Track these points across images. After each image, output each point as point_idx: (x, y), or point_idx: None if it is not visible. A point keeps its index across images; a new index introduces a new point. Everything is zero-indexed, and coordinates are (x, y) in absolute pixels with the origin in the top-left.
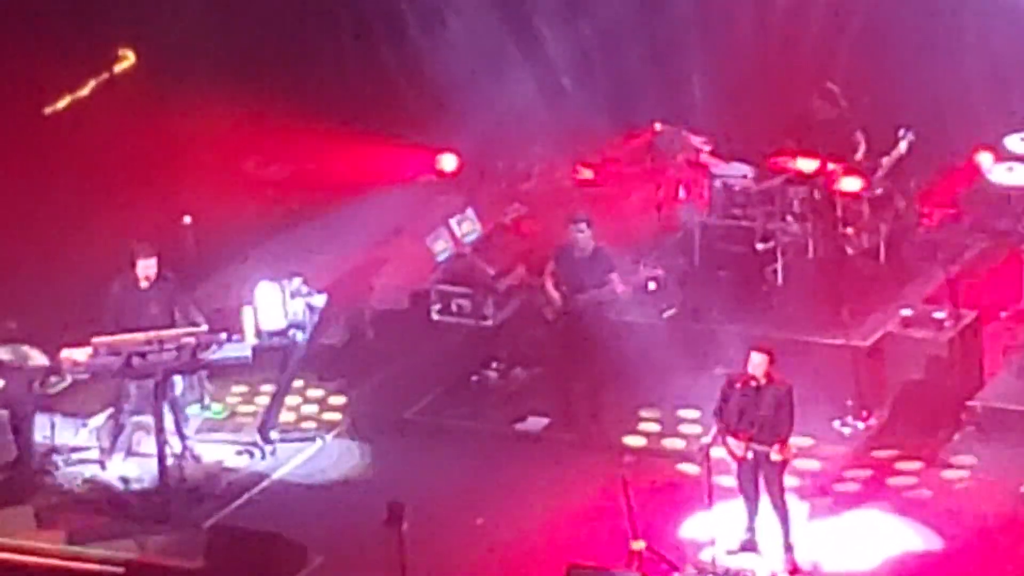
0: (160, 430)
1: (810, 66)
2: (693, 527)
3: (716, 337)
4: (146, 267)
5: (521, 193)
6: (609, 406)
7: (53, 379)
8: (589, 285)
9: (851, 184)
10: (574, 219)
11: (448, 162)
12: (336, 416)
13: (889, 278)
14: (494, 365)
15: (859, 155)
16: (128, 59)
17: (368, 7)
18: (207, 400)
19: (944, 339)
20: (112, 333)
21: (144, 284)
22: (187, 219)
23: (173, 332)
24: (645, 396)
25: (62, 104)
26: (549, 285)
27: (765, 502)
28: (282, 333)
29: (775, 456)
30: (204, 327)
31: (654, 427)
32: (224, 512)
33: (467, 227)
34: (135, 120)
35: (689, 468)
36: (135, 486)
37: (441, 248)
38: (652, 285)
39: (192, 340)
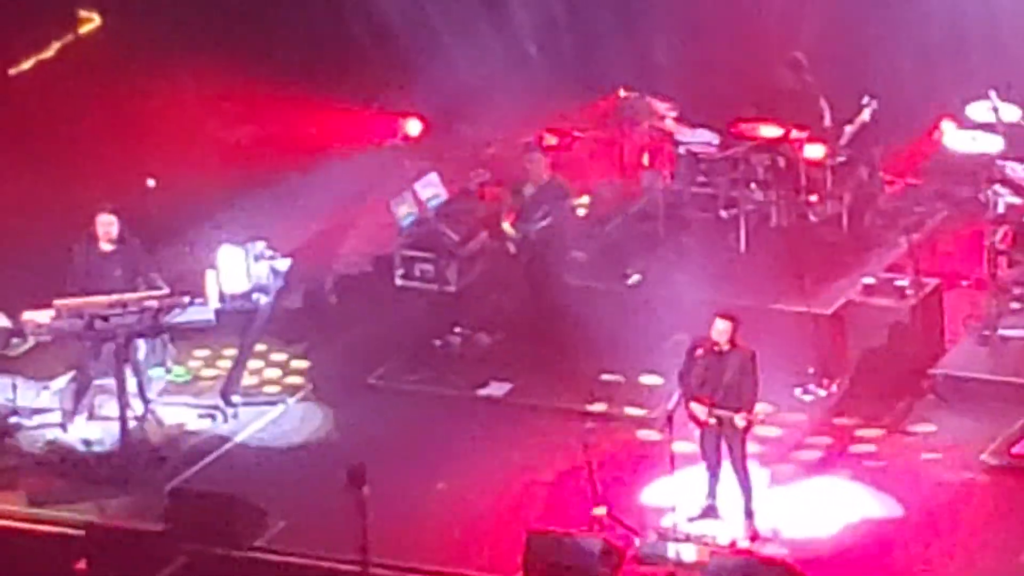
0: (122, 393)
1: (776, 34)
2: (654, 493)
3: (679, 304)
4: (105, 224)
5: (486, 159)
6: (572, 371)
7: (15, 341)
8: (547, 214)
9: (814, 152)
10: (527, 148)
11: (413, 127)
12: (298, 380)
13: (851, 246)
14: (457, 330)
15: (826, 122)
16: (93, 21)
17: None
18: (169, 363)
19: (906, 307)
20: (75, 296)
21: (107, 247)
22: (151, 182)
23: (136, 295)
24: (608, 362)
25: (27, 65)
26: (506, 223)
27: (727, 468)
28: (245, 297)
29: (740, 422)
30: (166, 290)
31: (616, 393)
32: (185, 475)
33: (431, 192)
34: (100, 82)
35: (651, 434)
36: (97, 448)
37: (405, 213)
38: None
39: (155, 303)
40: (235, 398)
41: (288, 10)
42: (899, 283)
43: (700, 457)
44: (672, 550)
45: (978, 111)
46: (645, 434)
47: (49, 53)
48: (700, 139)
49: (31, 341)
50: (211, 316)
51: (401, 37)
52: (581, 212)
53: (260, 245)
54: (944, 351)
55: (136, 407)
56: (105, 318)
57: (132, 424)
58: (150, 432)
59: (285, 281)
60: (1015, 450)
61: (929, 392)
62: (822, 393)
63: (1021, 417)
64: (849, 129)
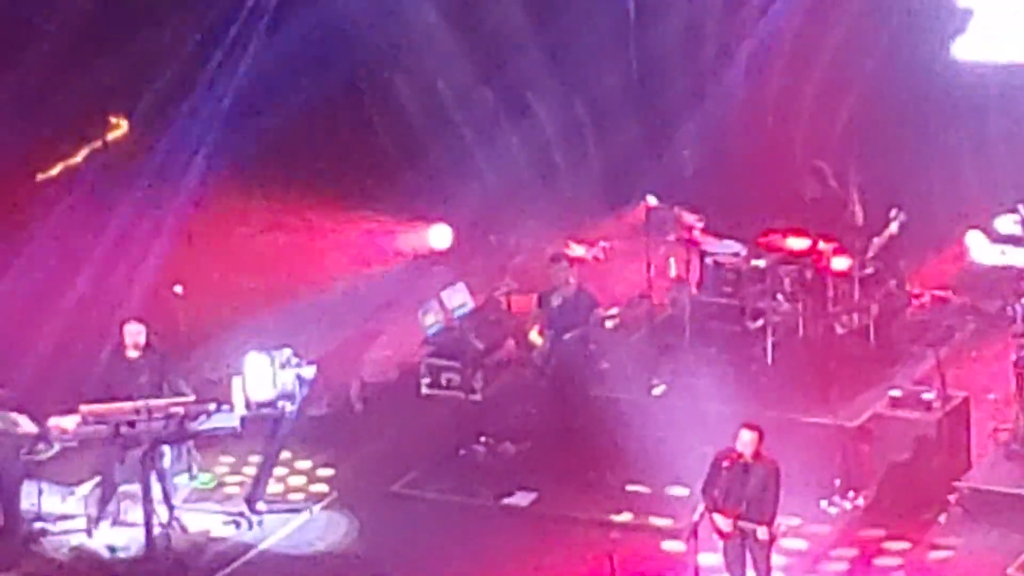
0: (147, 499)
1: (803, 145)
2: None
3: (705, 415)
4: (134, 333)
5: (512, 268)
6: (597, 482)
7: (41, 446)
8: (574, 324)
9: (841, 264)
10: (554, 258)
11: (441, 236)
12: (323, 488)
13: (878, 358)
14: (482, 439)
15: (858, 220)
16: (121, 127)
17: (363, 82)
18: (195, 470)
19: (932, 420)
20: (101, 401)
21: (133, 353)
22: (178, 288)
23: (162, 401)
24: (633, 472)
25: (55, 171)
26: (533, 332)
27: None
28: (271, 404)
29: (762, 534)
30: (192, 397)
31: (642, 504)
32: None
33: (458, 300)
34: (126, 188)
35: (676, 545)
36: (122, 555)
37: (432, 321)
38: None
39: (181, 410)
40: (260, 505)
41: (317, 119)
42: (926, 396)
43: (724, 568)
44: None
45: (1006, 224)
46: (670, 545)
47: (77, 159)
48: (727, 250)
49: (57, 447)
50: (237, 423)
51: (429, 147)
52: (610, 324)
53: (286, 352)
54: (971, 465)
55: (161, 513)
56: (131, 424)
57: (157, 530)
58: (175, 539)
59: (311, 389)
60: None
61: (955, 505)
62: (848, 505)
63: None
64: (877, 241)
